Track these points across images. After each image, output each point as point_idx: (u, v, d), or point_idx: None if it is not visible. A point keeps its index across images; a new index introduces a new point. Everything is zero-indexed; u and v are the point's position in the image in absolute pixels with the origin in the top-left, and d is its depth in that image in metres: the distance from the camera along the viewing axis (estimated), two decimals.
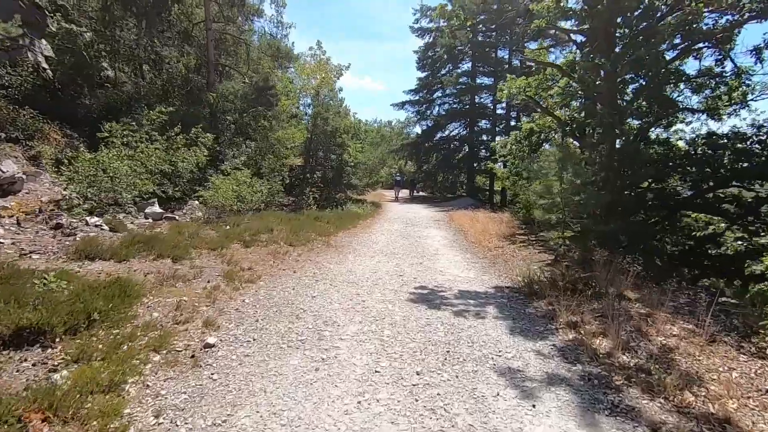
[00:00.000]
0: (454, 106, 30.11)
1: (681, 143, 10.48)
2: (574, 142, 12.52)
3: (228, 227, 10.39)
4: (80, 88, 15.24)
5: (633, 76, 9.56)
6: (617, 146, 9.47)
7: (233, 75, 20.21)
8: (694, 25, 8.62)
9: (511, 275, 7.82)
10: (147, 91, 17.69)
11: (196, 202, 13.61)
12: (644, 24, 9.18)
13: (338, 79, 21.31)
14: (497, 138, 30.19)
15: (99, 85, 16.03)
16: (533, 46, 28.39)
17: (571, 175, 8.12)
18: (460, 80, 25.87)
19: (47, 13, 12.91)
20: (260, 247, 8.91)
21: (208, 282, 6.01)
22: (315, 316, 5.14)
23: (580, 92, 10.58)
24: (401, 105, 30.63)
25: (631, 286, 6.53)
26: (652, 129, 10.68)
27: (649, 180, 10.10)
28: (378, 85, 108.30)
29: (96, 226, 8.06)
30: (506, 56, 29.31)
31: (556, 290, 6.19)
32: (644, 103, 9.92)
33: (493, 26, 28.39)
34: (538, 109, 12.63)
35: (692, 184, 9.92)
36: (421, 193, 34.86)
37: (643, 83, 9.64)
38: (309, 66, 18.94)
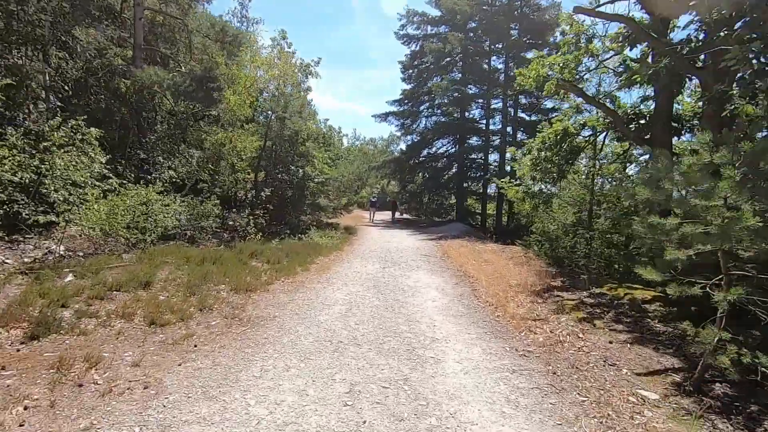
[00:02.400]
0: (443, 119, 25.93)
1: None
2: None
3: (67, 278, 5.60)
4: None
5: None
6: None
7: (174, 68, 15.54)
8: None
9: None
10: (52, 81, 12.89)
11: (73, 229, 8.74)
12: None
13: (307, 77, 16.87)
14: (490, 156, 26.12)
15: None
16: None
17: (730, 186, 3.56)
18: (452, 88, 21.75)
19: None
20: (69, 336, 4.13)
21: None
22: None
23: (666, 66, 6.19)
24: (384, 116, 26.35)
25: None
26: None
27: None
28: (363, 109, 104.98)
29: None
30: (501, 65, 25.42)
31: None
32: None
33: (485, 37, 24.56)
34: (579, 98, 8.27)
35: None
36: (404, 216, 30.30)
37: None
38: (267, 57, 14.41)
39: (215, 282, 6.80)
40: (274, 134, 12.58)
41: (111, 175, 9.97)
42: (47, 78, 12.49)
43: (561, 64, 7.58)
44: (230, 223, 13.09)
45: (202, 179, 13.47)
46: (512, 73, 24.01)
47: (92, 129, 8.82)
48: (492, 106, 25.75)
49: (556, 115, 22.31)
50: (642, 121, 7.03)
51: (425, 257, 11.44)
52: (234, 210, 15.05)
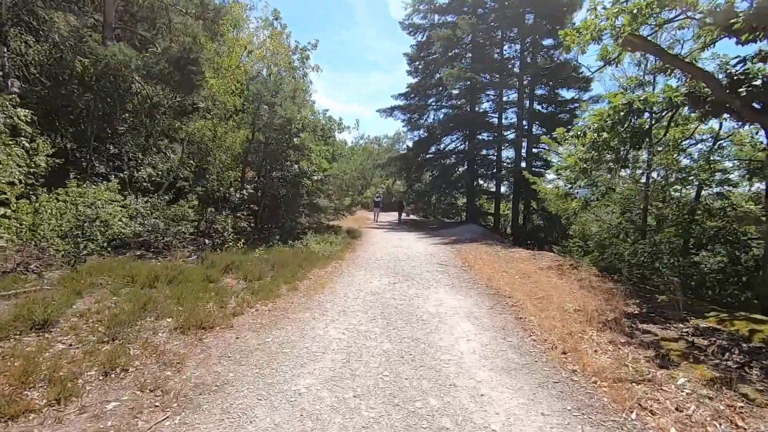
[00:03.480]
0: (452, 112, 23.73)
1: None
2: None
3: None
4: None
5: None
6: None
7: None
8: None
9: None
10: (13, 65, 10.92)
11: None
12: None
13: (303, 63, 14.83)
14: (504, 153, 23.90)
15: None
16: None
17: None
18: (465, 76, 19.52)
19: None
20: None
21: None
22: None
23: None
24: (389, 111, 24.20)
25: None
26: None
27: None
28: (368, 111, 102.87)
29: None
30: (514, 54, 23.18)
31: None
32: None
33: (497, 24, 22.34)
34: (659, 59, 6.11)
35: None
36: (411, 217, 28.15)
37: None
38: (254, 35, 12.34)
39: (159, 314, 4.70)
40: (262, 123, 10.52)
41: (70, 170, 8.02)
42: (5, 62, 10.48)
43: (634, 11, 5.44)
44: (217, 227, 11.03)
45: (183, 177, 11.45)
46: (529, 60, 21.92)
47: (19, 110, 6.79)
48: (504, 99, 23.54)
49: (587, 101, 20.08)
50: (757, 83, 4.88)
51: (442, 267, 9.29)
52: (224, 212, 12.99)
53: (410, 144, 26.69)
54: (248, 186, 9.59)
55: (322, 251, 9.80)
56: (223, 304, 5.38)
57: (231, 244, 8.39)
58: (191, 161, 11.53)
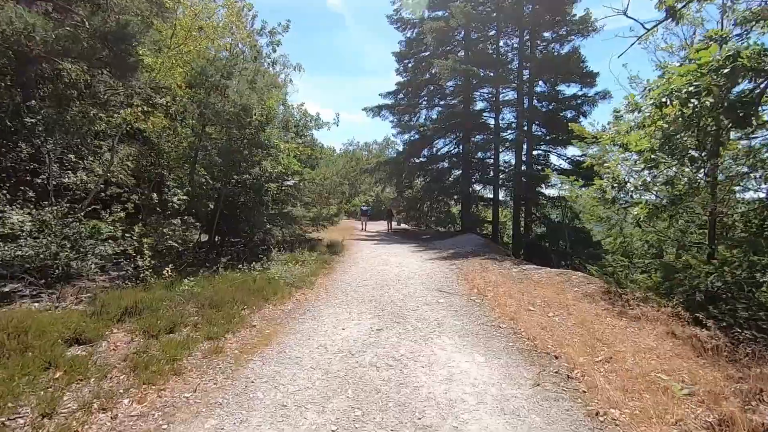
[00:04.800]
0: (447, 110, 21.39)
1: None
2: None
3: None
4: None
5: None
6: None
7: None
8: None
9: None
10: None
11: None
12: None
13: (274, 48, 12.45)
14: (502, 158, 21.61)
15: None
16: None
17: None
18: (460, 68, 17.21)
19: None
20: None
21: None
22: None
23: None
24: (377, 110, 21.80)
25: None
26: None
27: None
28: (356, 118, 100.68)
29: None
30: (511, 50, 21.03)
31: None
32: None
33: (493, 14, 20.19)
34: None
35: None
36: (402, 226, 25.70)
37: None
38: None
39: None
40: (210, 112, 8.06)
41: None
42: None
43: None
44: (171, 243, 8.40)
45: (117, 183, 8.90)
46: (528, 53, 19.77)
47: None
48: (501, 98, 21.31)
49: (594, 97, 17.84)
50: None
51: (445, 297, 6.81)
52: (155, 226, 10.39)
53: (400, 148, 24.35)
54: (180, 192, 7.04)
55: (286, 276, 7.26)
56: (54, 402, 2.85)
57: (147, 272, 5.85)
58: (127, 163, 8.99)
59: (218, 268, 7.01)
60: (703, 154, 4.70)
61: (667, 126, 4.15)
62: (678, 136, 4.35)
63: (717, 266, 4.99)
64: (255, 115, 8.84)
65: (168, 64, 8.90)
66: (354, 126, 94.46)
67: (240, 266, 7.48)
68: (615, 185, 5.76)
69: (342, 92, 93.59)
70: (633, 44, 6.41)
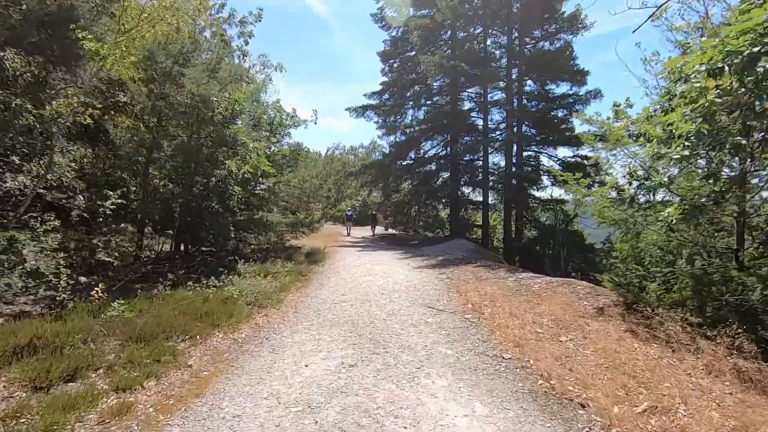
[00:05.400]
0: (434, 110, 20.41)
1: None
2: None
3: None
4: None
5: None
6: None
7: None
8: None
9: None
10: None
11: None
12: None
13: (246, 40, 11.37)
14: (491, 160, 20.72)
15: None
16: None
17: None
18: (447, 65, 16.27)
19: None
20: None
21: None
22: None
23: None
24: (361, 111, 20.75)
25: None
26: None
27: None
28: (343, 124, 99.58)
29: None
30: (499, 50, 20.22)
31: None
32: None
33: (481, 11, 19.37)
34: None
35: None
36: (390, 231, 24.64)
37: None
38: None
39: None
40: (164, 104, 6.91)
41: None
42: None
43: None
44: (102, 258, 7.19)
45: (57, 186, 7.69)
46: (517, 50, 18.95)
47: None
48: (489, 99, 20.46)
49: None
50: None
51: (435, 315, 5.74)
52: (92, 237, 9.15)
53: (386, 151, 23.32)
54: (113, 194, 5.84)
55: (249, 293, 6.12)
56: None
57: (65, 295, 4.66)
58: (71, 164, 7.77)
59: (165, 286, 5.82)
60: (753, 141, 3.76)
61: (714, 104, 3.17)
62: (723, 119, 3.40)
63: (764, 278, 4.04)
64: (218, 109, 7.71)
65: (118, 52, 7.71)
66: (341, 133, 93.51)
67: (198, 281, 6.31)
68: (634, 181, 4.80)
69: (329, 98, 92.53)
70: (648, 20, 5.49)
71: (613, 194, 5.40)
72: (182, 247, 9.41)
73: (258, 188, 10.42)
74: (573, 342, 4.48)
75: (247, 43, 11.54)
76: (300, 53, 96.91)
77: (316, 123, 11.09)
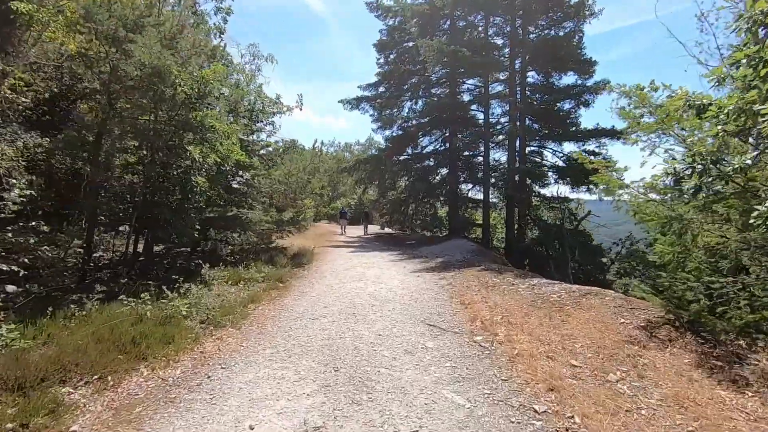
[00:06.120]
0: (433, 101, 19.07)
1: None
2: None
3: None
4: None
5: None
6: None
7: None
8: None
9: None
10: None
11: None
12: None
13: (225, 17, 10.12)
14: (491, 156, 19.46)
15: None
16: None
17: None
18: (446, 50, 14.98)
19: None
20: None
21: None
22: None
23: None
24: (355, 103, 19.43)
25: None
26: None
27: None
28: (341, 122, 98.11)
29: None
30: (507, 30, 18.91)
31: None
32: None
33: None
34: None
35: None
36: (387, 230, 23.39)
37: None
38: None
39: None
40: (108, 77, 5.63)
41: None
42: None
43: None
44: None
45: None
46: (520, 38, 17.69)
47: None
48: (490, 91, 19.19)
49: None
50: None
51: (437, 339, 4.48)
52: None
53: (382, 146, 22.03)
54: (17, 183, 4.55)
55: (205, 308, 4.84)
56: None
57: None
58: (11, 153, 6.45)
59: (94, 299, 4.53)
60: None
61: None
62: None
63: None
64: (180, 86, 6.42)
65: (61, 18, 6.39)
66: (340, 131, 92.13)
67: (147, 291, 5.03)
68: (698, 166, 3.57)
69: (328, 97, 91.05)
70: None
71: (664, 184, 4.16)
72: (153, 248, 8.12)
73: (235, 182, 9.13)
74: (627, 383, 3.24)
75: (225, 21, 10.24)
76: (298, 52, 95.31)
77: (301, 109, 9.81)
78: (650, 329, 4.42)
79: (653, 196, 4.76)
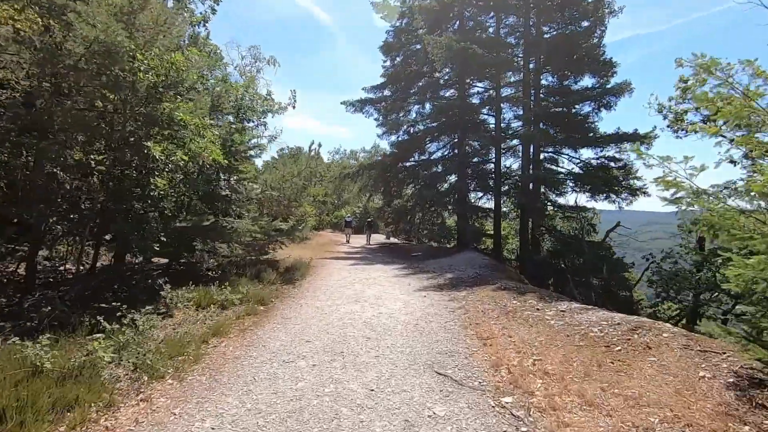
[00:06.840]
0: (441, 103, 17.84)
1: None
2: None
3: None
4: None
5: None
6: None
7: None
8: None
9: None
10: None
11: None
12: None
13: (210, 7, 9.11)
14: (502, 163, 18.15)
15: None
16: None
17: None
18: (456, 47, 13.81)
19: None
20: None
21: None
22: None
23: None
24: (359, 105, 18.33)
25: None
26: None
27: None
28: (345, 131, 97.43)
29: None
30: (520, 29, 17.72)
31: None
32: None
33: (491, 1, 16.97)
34: None
35: None
36: (392, 240, 22.14)
37: None
38: None
39: None
40: (46, 53, 4.58)
41: None
42: None
43: None
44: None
45: None
46: (534, 36, 16.49)
47: None
48: (501, 94, 17.96)
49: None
50: None
51: (447, 399, 3.20)
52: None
53: (387, 151, 20.85)
54: None
55: (132, 352, 3.65)
56: None
57: None
58: None
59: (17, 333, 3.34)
60: None
61: None
62: None
63: None
64: (141, 71, 5.31)
65: None
66: (347, 140, 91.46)
67: (80, 323, 3.86)
68: None
69: (331, 106, 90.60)
70: None
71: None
72: (125, 261, 6.99)
73: (220, 187, 8.00)
74: None
75: (213, 11, 9.23)
76: (304, 62, 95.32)
77: (294, 107, 8.74)
78: (749, 393, 3.11)
79: (742, 204, 3.48)
